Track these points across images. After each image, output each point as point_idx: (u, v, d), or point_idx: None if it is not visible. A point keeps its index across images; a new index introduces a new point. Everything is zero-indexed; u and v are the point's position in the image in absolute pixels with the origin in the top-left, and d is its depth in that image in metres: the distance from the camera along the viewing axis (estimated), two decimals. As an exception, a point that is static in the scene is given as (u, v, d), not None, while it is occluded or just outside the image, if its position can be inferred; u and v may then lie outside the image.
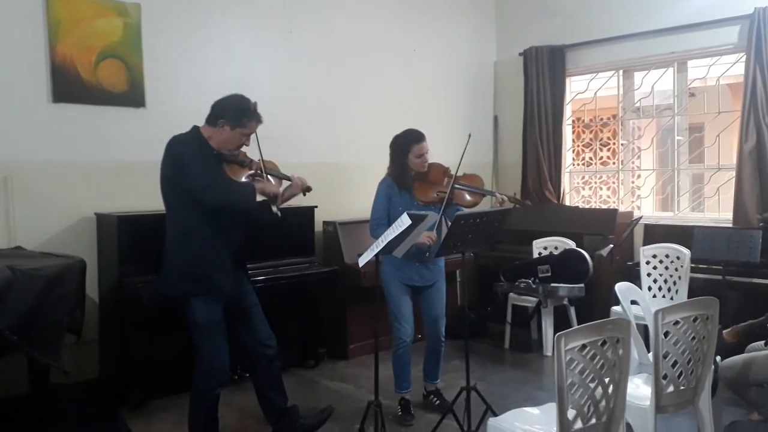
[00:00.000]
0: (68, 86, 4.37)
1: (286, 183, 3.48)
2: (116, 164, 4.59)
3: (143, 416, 4.15)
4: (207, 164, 3.22)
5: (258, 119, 3.31)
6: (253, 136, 3.35)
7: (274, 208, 3.33)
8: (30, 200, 4.25)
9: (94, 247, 4.48)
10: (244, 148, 3.41)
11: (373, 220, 3.98)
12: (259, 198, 3.31)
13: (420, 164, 3.95)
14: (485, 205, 4.01)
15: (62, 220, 4.39)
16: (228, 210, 3.28)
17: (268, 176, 3.39)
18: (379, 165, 4.22)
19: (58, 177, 4.37)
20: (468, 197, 3.96)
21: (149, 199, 4.55)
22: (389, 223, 3.85)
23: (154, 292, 3.38)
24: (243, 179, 3.35)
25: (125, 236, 4.26)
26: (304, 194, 3.50)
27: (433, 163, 4.02)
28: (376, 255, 3.37)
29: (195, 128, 3.34)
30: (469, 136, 3.87)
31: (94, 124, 4.50)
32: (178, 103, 4.76)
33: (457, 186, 3.92)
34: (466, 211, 3.65)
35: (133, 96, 4.65)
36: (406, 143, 3.94)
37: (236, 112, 3.25)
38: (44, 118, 4.30)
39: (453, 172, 3.92)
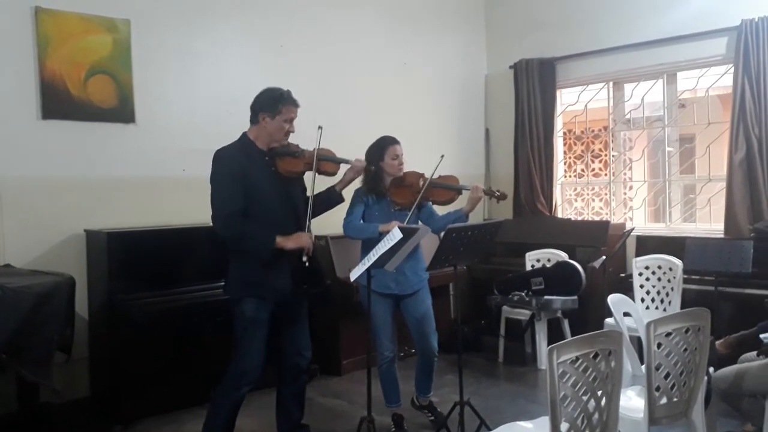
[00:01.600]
0: (57, 102, 4.35)
1: (345, 166, 3.65)
2: (106, 181, 4.57)
3: (134, 435, 4.11)
4: (238, 185, 3.29)
5: (294, 103, 3.41)
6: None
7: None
8: (19, 217, 4.22)
9: (83, 264, 4.44)
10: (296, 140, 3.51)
11: (347, 219, 3.98)
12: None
13: (395, 167, 3.95)
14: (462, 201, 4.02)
15: (51, 237, 4.36)
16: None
17: (323, 162, 3.51)
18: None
19: (47, 194, 4.34)
20: (443, 194, 3.97)
21: (139, 216, 4.56)
22: None
23: (225, 295, 3.52)
24: (300, 171, 3.50)
25: (115, 253, 4.23)
26: None
27: (409, 171, 4.03)
28: (368, 269, 3.36)
29: (243, 135, 3.45)
30: (442, 156, 3.87)
31: (84, 141, 4.48)
32: (169, 119, 4.76)
33: (432, 185, 3.95)
34: (458, 224, 3.64)
35: (122, 112, 4.63)
36: (381, 146, 3.96)
37: (270, 101, 3.37)
38: (33, 135, 4.28)
39: (428, 177, 3.95)
